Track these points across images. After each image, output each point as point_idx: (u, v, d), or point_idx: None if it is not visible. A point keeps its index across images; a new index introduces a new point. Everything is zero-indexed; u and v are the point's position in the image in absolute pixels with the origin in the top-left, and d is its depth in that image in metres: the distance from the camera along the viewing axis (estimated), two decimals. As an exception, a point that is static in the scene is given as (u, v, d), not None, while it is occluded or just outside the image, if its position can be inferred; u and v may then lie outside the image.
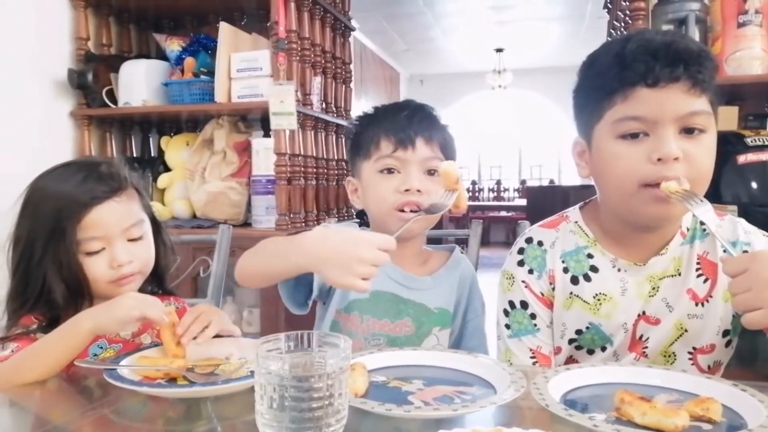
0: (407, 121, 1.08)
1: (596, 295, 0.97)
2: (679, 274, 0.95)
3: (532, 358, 0.99)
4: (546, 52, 8.03)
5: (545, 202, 6.17)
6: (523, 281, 1.00)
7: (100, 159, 1.09)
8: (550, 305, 1.00)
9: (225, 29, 2.21)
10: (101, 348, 0.99)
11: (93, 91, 2.27)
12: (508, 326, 1.01)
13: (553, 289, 0.99)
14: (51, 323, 0.96)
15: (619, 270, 0.96)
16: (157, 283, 1.12)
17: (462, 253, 1.21)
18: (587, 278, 0.98)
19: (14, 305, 1.01)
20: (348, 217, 2.73)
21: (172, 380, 0.82)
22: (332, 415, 0.57)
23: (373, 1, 5.63)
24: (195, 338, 0.91)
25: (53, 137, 2.26)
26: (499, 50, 7.93)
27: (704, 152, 0.86)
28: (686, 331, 0.94)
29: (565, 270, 0.99)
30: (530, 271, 1.01)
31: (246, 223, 2.28)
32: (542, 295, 1.00)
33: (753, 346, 1.13)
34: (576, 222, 1.02)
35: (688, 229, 0.96)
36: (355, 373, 0.74)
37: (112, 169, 1.04)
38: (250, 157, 2.25)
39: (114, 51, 2.47)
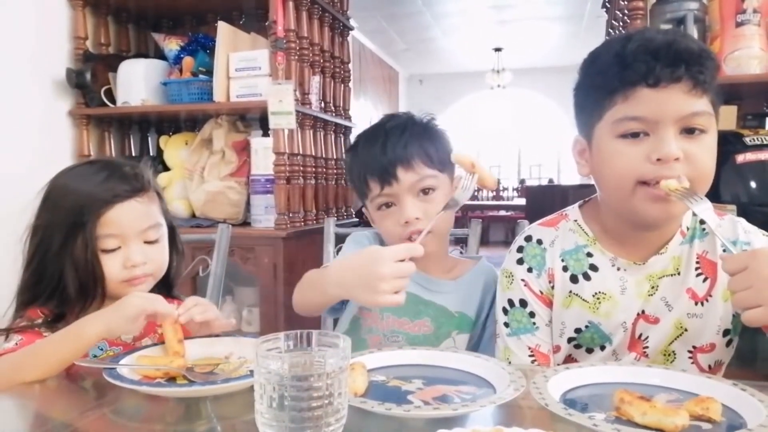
0: (382, 152, 1.07)
1: (596, 293, 0.97)
2: (679, 274, 0.95)
3: (530, 356, 0.99)
4: (545, 51, 8.03)
5: (544, 201, 6.17)
6: (522, 279, 1.00)
7: (124, 160, 1.09)
8: (549, 304, 1.00)
9: (223, 28, 2.20)
10: (101, 350, 0.99)
11: (91, 91, 2.27)
12: (507, 324, 1.01)
13: (553, 287, 0.99)
14: (56, 319, 0.97)
15: (618, 269, 0.96)
16: (166, 288, 1.12)
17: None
18: (587, 277, 0.98)
19: (25, 297, 1.01)
20: (347, 216, 2.73)
21: (171, 379, 0.82)
22: (332, 414, 0.57)
23: (372, 1, 5.62)
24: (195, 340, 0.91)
25: (52, 137, 2.26)
26: (498, 50, 7.93)
27: (705, 152, 0.86)
28: (686, 330, 0.94)
29: (565, 269, 0.99)
30: (529, 270, 1.01)
31: (245, 223, 2.28)
32: (541, 293, 1.00)
33: (753, 346, 1.13)
34: (575, 221, 1.02)
35: (687, 229, 0.96)
36: (355, 373, 0.74)
37: (136, 170, 1.05)
38: (248, 157, 2.25)
39: (112, 50, 2.47)
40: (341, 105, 2.69)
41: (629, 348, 0.97)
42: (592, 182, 0.98)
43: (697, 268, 0.94)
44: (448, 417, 0.66)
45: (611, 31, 2.35)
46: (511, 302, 1.01)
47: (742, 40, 1.64)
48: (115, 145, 2.49)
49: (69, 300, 0.98)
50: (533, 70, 8.72)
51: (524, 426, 0.60)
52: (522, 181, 9.53)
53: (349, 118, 2.75)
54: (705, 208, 0.81)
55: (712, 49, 1.66)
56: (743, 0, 1.63)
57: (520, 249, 1.03)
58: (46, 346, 0.88)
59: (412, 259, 1.11)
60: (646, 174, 0.85)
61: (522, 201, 8.08)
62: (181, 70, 2.29)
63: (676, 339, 0.95)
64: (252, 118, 2.42)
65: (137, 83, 2.27)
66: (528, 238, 1.04)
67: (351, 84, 2.82)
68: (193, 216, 2.29)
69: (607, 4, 2.48)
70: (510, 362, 0.95)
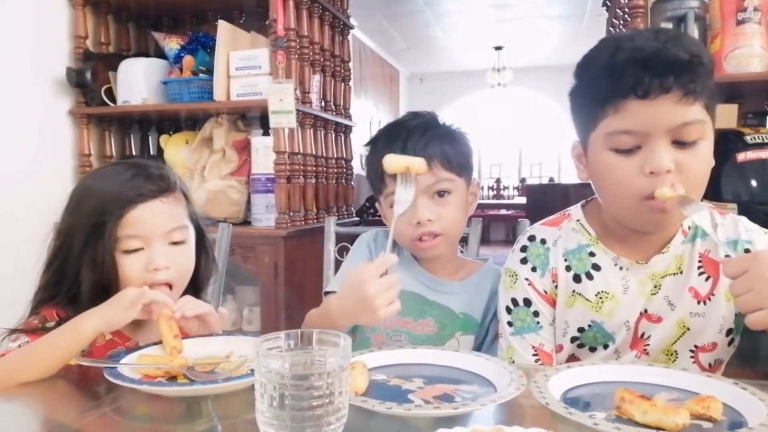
0: (402, 150, 1.06)
1: (598, 293, 0.97)
2: (681, 273, 0.95)
3: (534, 355, 0.99)
4: (546, 50, 8.02)
5: (545, 200, 6.17)
6: (526, 279, 1.00)
7: (150, 161, 1.07)
8: (552, 303, 1.00)
9: (224, 27, 2.20)
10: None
11: (92, 90, 2.27)
12: (510, 323, 1.01)
13: (556, 287, 0.99)
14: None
15: (621, 268, 0.96)
16: (194, 293, 1.07)
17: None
18: (589, 276, 0.97)
19: (43, 296, 1.00)
20: (348, 215, 2.73)
21: (172, 378, 0.81)
22: (332, 413, 0.57)
23: (372, 0, 5.62)
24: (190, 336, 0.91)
25: (52, 136, 2.26)
26: (498, 48, 7.92)
27: (698, 162, 0.85)
28: (688, 329, 0.94)
29: (568, 268, 0.99)
30: (533, 269, 1.01)
31: (246, 222, 2.28)
32: (545, 292, 1.00)
33: (754, 345, 1.13)
34: (578, 220, 1.02)
35: (689, 228, 0.96)
36: (356, 372, 0.74)
37: (162, 171, 1.02)
38: (249, 156, 2.25)
39: (112, 49, 2.47)
40: (342, 104, 2.69)
41: (631, 347, 0.97)
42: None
43: (699, 267, 0.94)
44: (449, 416, 0.66)
45: (612, 29, 2.35)
46: (515, 301, 1.01)
47: (742, 39, 1.64)
48: (116, 145, 2.49)
49: (84, 301, 0.95)
50: (534, 68, 8.70)
51: (525, 425, 0.60)
52: (522, 180, 9.53)
53: (349, 117, 2.75)
54: (702, 216, 0.81)
55: (713, 48, 1.67)
56: (744, -2, 1.63)
57: (523, 248, 1.03)
58: (43, 344, 0.88)
59: (422, 259, 1.12)
60: (644, 189, 0.85)
61: (523, 200, 8.08)
62: (181, 69, 2.29)
63: (678, 338, 0.95)
64: (252, 117, 2.42)
65: (137, 82, 2.27)
66: (531, 238, 1.04)
67: (351, 83, 2.82)
68: (194, 215, 2.29)
69: (607, 2, 2.48)
70: (513, 361, 0.95)
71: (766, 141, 1.58)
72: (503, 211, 8.41)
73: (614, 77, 0.84)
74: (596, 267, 0.97)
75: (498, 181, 9.54)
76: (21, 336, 0.93)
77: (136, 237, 0.96)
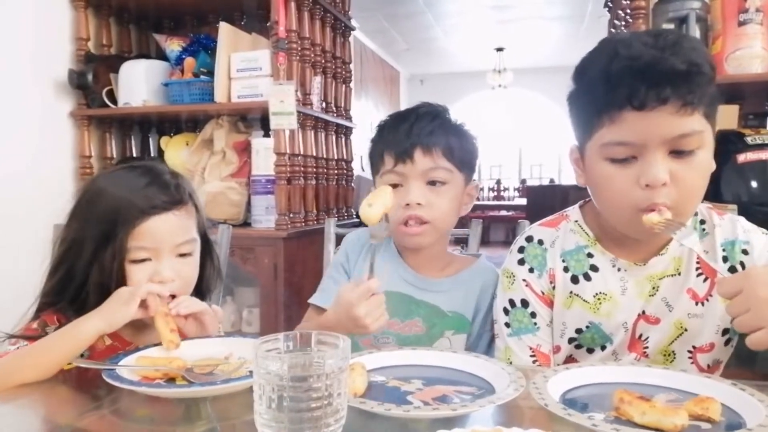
0: (407, 132, 1.07)
1: (596, 294, 0.97)
2: (679, 274, 0.94)
3: (531, 356, 0.99)
4: (546, 51, 8.02)
5: (545, 201, 6.17)
6: (523, 280, 1.00)
7: (165, 167, 1.05)
8: (550, 304, 1.00)
9: (225, 29, 2.21)
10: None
11: (93, 92, 2.28)
12: (507, 324, 1.01)
13: (554, 288, 0.99)
14: None
15: (619, 270, 0.96)
16: (198, 298, 1.06)
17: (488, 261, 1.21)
18: (587, 277, 0.97)
19: (47, 300, 0.99)
20: (348, 216, 2.73)
21: (171, 380, 0.81)
22: (331, 415, 0.57)
23: (373, 1, 5.62)
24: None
25: (53, 137, 2.26)
26: (499, 50, 7.93)
27: (694, 173, 0.84)
28: (686, 330, 0.94)
29: (566, 269, 0.99)
30: (531, 270, 1.01)
31: (246, 223, 2.28)
32: (543, 293, 1.00)
33: (753, 346, 1.13)
34: (576, 221, 1.02)
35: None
36: (354, 373, 0.74)
37: (177, 180, 1.01)
38: (249, 157, 2.25)
39: (114, 51, 2.47)
40: (342, 105, 2.69)
41: (629, 348, 0.97)
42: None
43: (697, 269, 0.94)
44: (448, 417, 0.66)
45: (613, 30, 2.35)
46: (512, 302, 1.01)
47: (744, 40, 1.64)
48: (116, 146, 2.50)
49: (89, 308, 0.93)
50: (534, 69, 8.70)
51: (524, 426, 0.60)
52: (523, 181, 9.53)
53: (350, 118, 2.75)
54: (691, 240, 0.82)
55: (714, 49, 1.67)
56: (745, -1, 1.63)
57: (521, 249, 1.03)
58: (43, 346, 0.88)
59: (409, 253, 1.10)
60: (640, 202, 0.84)
61: (523, 201, 8.07)
62: (182, 71, 2.30)
63: (676, 339, 0.95)
64: (253, 119, 2.42)
65: (138, 84, 2.28)
66: (529, 239, 1.04)
67: (352, 84, 2.82)
68: (194, 216, 2.29)
69: (609, 3, 2.48)
70: (511, 362, 0.95)
71: (766, 142, 1.58)
72: (503, 212, 8.41)
73: (610, 87, 0.83)
74: (594, 268, 0.97)
75: (498, 182, 9.54)
76: (20, 341, 0.93)
77: (145, 249, 0.96)
